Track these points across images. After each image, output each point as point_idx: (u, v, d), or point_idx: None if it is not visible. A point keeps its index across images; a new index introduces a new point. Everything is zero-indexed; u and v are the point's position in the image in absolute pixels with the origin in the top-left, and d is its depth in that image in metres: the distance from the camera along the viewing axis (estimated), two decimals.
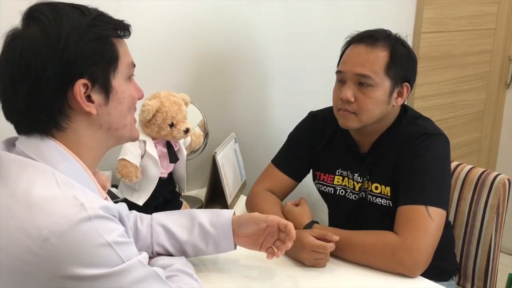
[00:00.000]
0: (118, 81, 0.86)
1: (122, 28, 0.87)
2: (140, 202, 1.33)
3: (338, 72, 1.35)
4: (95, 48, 0.82)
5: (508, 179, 1.53)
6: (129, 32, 0.89)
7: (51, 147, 0.82)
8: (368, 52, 1.29)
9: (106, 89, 0.85)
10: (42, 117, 0.81)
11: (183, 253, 1.14)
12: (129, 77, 0.90)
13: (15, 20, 0.83)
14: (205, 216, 1.15)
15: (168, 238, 1.13)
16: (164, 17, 1.58)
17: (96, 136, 0.87)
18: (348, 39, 1.37)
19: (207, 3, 1.66)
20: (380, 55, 1.29)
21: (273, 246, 1.15)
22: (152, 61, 1.58)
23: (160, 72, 1.61)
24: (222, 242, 1.15)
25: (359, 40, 1.33)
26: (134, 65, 0.91)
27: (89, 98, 0.83)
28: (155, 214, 1.17)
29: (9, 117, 0.84)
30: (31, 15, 0.81)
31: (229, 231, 1.14)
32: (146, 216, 1.17)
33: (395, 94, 1.32)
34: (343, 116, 1.33)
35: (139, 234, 1.13)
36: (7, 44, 0.81)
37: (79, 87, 0.81)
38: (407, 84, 1.34)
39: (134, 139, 0.95)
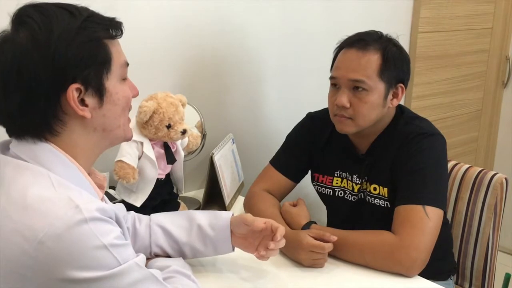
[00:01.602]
0: (111, 82, 0.85)
1: (114, 28, 0.85)
2: (138, 203, 1.33)
3: (331, 77, 1.35)
4: (87, 51, 0.80)
5: (506, 178, 1.53)
6: (121, 31, 0.87)
7: (45, 149, 0.81)
8: (360, 57, 1.29)
9: (100, 92, 0.83)
10: (36, 122, 0.80)
11: (181, 254, 1.14)
12: (123, 77, 0.89)
13: (4, 22, 0.81)
14: (203, 217, 1.15)
15: (167, 239, 1.13)
16: (161, 17, 1.58)
17: (90, 138, 0.86)
18: (338, 43, 1.37)
19: (204, 3, 1.66)
20: (373, 59, 1.29)
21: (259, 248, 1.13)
22: (149, 62, 1.57)
23: (157, 73, 1.61)
24: (220, 244, 1.14)
25: (350, 45, 1.32)
26: (128, 64, 0.90)
27: (82, 102, 0.82)
28: (153, 215, 1.17)
29: (1, 121, 0.83)
30: (19, 19, 0.80)
31: (227, 233, 1.14)
32: (144, 217, 1.17)
33: (390, 96, 1.32)
34: (340, 122, 1.33)
35: (137, 235, 1.13)
36: None
37: (72, 91, 0.80)
38: (401, 85, 1.33)
39: (128, 139, 0.94)
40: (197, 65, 1.71)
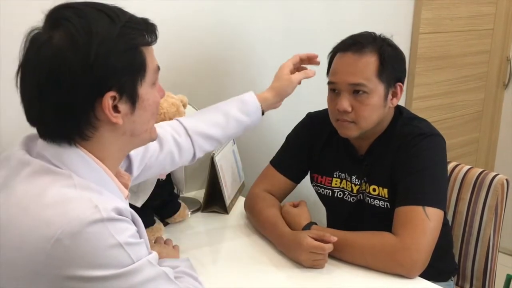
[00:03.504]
0: (144, 89, 0.84)
1: (149, 33, 0.84)
2: (139, 203, 1.33)
3: (330, 83, 1.35)
4: (126, 60, 0.79)
5: (507, 179, 1.53)
6: (156, 36, 0.86)
7: (72, 153, 0.81)
8: (357, 60, 1.29)
9: (133, 99, 0.83)
10: (68, 127, 0.80)
11: (220, 144, 1.28)
12: (154, 83, 0.88)
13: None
14: (235, 109, 1.25)
15: (208, 141, 1.22)
16: (162, 18, 1.58)
17: (118, 142, 0.86)
18: (334, 48, 1.36)
19: (205, 4, 1.66)
20: (370, 61, 1.28)
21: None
22: None
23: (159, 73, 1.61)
24: (254, 121, 1.28)
25: (345, 48, 1.32)
26: (159, 68, 0.89)
27: (115, 109, 0.81)
28: (186, 124, 1.21)
29: (32, 123, 0.82)
30: (55, 21, 0.78)
31: (259, 111, 1.28)
32: (178, 127, 1.20)
33: (390, 96, 1.32)
34: (342, 126, 1.33)
35: (181, 148, 1.18)
36: (34, 51, 0.78)
37: (108, 99, 0.79)
38: (400, 83, 1.33)
39: (153, 139, 0.94)
40: (198, 66, 1.71)
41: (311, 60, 1.37)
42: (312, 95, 1.94)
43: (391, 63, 1.30)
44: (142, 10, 1.63)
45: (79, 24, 0.76)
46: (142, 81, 0.84)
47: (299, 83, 1.34)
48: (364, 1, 2.08)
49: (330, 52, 1.37)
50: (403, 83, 1.35)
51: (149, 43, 0.85)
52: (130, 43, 0.80)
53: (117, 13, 0.80)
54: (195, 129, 1.21)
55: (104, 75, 0.77)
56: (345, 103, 1.29)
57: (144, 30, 0.84)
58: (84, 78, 0.76)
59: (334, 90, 1.34)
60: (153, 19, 0.89)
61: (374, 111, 1.30)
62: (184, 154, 1.20)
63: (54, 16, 0.79)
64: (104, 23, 0.78)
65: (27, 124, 0.83)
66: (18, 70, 0.81)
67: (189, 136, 1.20)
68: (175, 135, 1.18)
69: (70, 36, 0.76)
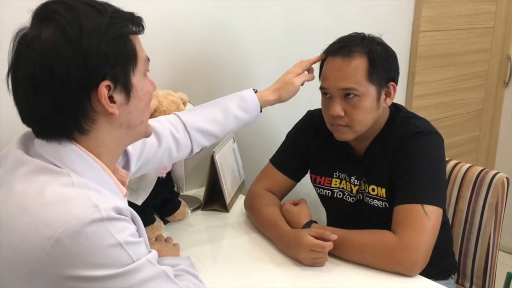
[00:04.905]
0: (137, 78, 0.85)
1: (136, 24, 0.86)
2: (139, 201, 1.33)
3: (321, 88, 1.35)
4: (117, 48, 0.80)
5: (507, 178, 1.53)
6: (143, 27, 0.87)
7: (70, 151, 0.81)
8: (347, 64, 1.28)
9: (127, 88, 0.84)
10: (66, 122, 0.80)
11: (218, 140, 1.30)
12: (145, 73, 0.89)
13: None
14: (235, 105, 1.27)
15: (206, 137, 1.25)
16: (162, 17, 1.58)
17: (115, 135, 0.86)
18: (324, 51, 1.36)
19: (205, 3, 1.66)
20: (359, 64, 1.27)
21: None
22: (150, 61, 1.57)
23: (158, 71, 1.61)
24: (252, 117, 1.30)
25: (334, 53, 1.31)
26: (149, 59, 0.90)
27: (111, 99, 0.82)
28: (185, 119, 1.22)
29: (29, 122, 0.82)
30: (45, 16, 0.79)
31: (258, 108, 1.32)
32: (177, 123, 1.21)
33: (383, 96, 1.32)
34: (337, 131, 1.33)
35: (179, 144, 1.20)
36: (24, 48, 0.77)
37: (103, 89, 0.79)
38: (392, 83, 1.33)
39: (148, 135, 0.95)
40: (198, 64, 1.71)
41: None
42: (312, 94, 1.94)
43: (381, 63, 1.29)
44: (142, 10, 1.63)
45: (69, 17, 0.77)
46: (134, 70, 0.85)
47: (302, 84, 1.38)
48: (365, 0, 2.08)
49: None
50: (396, 82, 1.34)
51: (137, 33, 0.86)
52: (119, 32, 0.81)
53: (104, 6, 0.82)
54: (194, 125, 1.22)
55: (97, 65, 0.78)
56: (337, 108, 1.29)
57: (131, 21, 0.85)
58: (78, 69, 0.77)
59: (326, 95, 1.34)
60: (152, 18, 0.89)
61: (367, 113, 1.30)
62: (182, 149, 1.21)
63: (43, 12, 0.79)
64: (93, 15, 0.79)
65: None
66: (9, 71, 0.80)
67: (187, 131, 1.21)
68: (173, 131, 1.19)
69: (61, 29, 0.77)
